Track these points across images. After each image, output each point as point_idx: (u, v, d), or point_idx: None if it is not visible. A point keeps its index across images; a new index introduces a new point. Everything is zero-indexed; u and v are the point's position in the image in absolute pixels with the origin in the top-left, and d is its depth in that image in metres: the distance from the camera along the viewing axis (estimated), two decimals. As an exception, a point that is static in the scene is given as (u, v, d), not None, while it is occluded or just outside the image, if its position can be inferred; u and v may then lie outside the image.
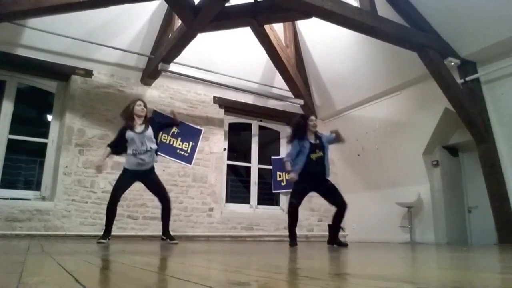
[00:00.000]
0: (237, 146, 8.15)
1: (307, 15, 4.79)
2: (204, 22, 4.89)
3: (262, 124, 7.60)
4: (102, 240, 3.87)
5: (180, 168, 6.30)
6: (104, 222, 4.09)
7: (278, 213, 7.26)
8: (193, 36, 5.17)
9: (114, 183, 4.22)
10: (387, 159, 6.52)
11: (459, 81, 5.25)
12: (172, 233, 4.30)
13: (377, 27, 4.75)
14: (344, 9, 4.53)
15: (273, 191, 7.35)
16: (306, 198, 4.52)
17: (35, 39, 5.46)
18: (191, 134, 6.48)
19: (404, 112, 6.26)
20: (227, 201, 7.03)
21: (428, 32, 5.16)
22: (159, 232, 4.45)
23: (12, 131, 5.52)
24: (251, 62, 6.97)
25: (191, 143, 6.47)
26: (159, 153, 4.55)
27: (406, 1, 5.24)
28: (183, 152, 6.38)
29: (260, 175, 7.41)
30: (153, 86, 6.35)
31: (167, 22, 5.99)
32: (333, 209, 4.43)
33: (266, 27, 6.21)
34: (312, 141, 4.41)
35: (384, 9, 5.06)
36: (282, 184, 7.21)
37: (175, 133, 6.31)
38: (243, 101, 7.07)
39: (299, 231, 4.53)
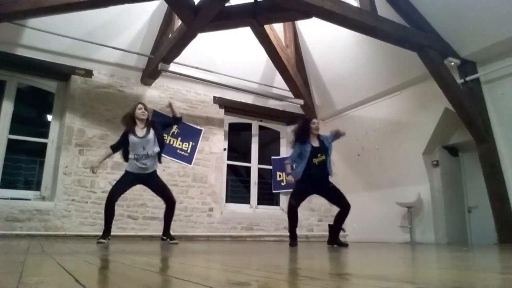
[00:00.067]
0: (237, 146, 8.15)
1: (307, 15, 4.79)
2: (204, 22, 4.89)
3: (262, 124, 7.60)
4: (102, 240, 3.87)
5: (180, 168, 6.30)
6: (103, 222, 4.09)
7: (278, 213, 7.26)
8: (193, 36, 5.17)
9: (114, 183, 4.22)
10: (387, 159, 6.52)
11: (459, 81, 5.25)
12: (172, 233, 4.30)
13: (377, 27, 4.75)
14: (344, 9, 4.53)
15: (273, 191, 7.35)
16: (306, 199, 4.52)
17: (35, 39, 5.46)
18: (191, 134, 6.48)
19: (404, 112, 6.26)
20: (227, 201, 7.03)
21: (428, 32, 5.16)
22: (159, 232, 4.45)
23: (12, 131, 5.53)
24: (251, 62, 6.98)
25: (191, 143, 6.47)
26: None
27: (406, 1, 5.24)
28: (183, 152, 6.38)
29: (260, 175, 7.42)
30: (153, 86, 6.35)
31: (167, 22, 5.99)
32: (333, 209, 4.43)
33: (266, 27, 6.21)
34: (315, 144, 4.38)
35: (384, 9, 5.06)
36: (282, 184, 7.21)
37: (175, 133, 6.31)
38: (243, 101, 7.07)
39: (299, 231, 4.52)
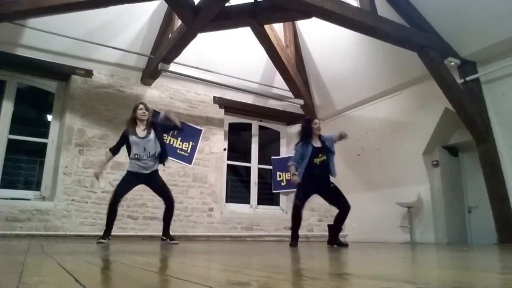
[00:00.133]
0: (237, 146, 8.15)
1: (307, 15, 4.79)
2: (204, 22, 4.89)
3: (262, 124, 7.60)
4: (102, 240, 3.87)
5: (180, 168, 6.30)
6: (104, 222, 4.09)
7: (278, 213, 7.26)
8: (193, 36, 5.17)
9: (114, 183, 4.24)
10: (387, 159, 6.52)
11: (459, 81, 5.25)
12: (172, 233, 4.30)
13: (377, 27, 4.75)
14: (344, 9, 4.53)
15: (273, 191, 7.35)
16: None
17: (35, 39, 5.46)
18: (191, 134, 6.48)
19: (404, 112, 6.26)
20: (227, 201, 7.03)
21: (428, 32, 5.16)
22: (159, 232, 4.45)
23: (12, 131, 5.53)
24: (251, 62, 6.98)
25: (191, 143, 6.47)
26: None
27: (406, 1, 5.24)
28: (183, 152, 6.38)
29: (260, 175, 7.42)
30: (153, 86, 6.34)
31: (167, 22, 5.99)
32: (333, 209, 4.43)
33: (266, 27, 6.21)
34: (316, 144, 4.40)
35: (384, 9, 5.06)
36: (282, 184, 7.21)
37: (175, 133, 6.31)
38: (243, 101, 7.07)
39: (299, 231, 4.52)
